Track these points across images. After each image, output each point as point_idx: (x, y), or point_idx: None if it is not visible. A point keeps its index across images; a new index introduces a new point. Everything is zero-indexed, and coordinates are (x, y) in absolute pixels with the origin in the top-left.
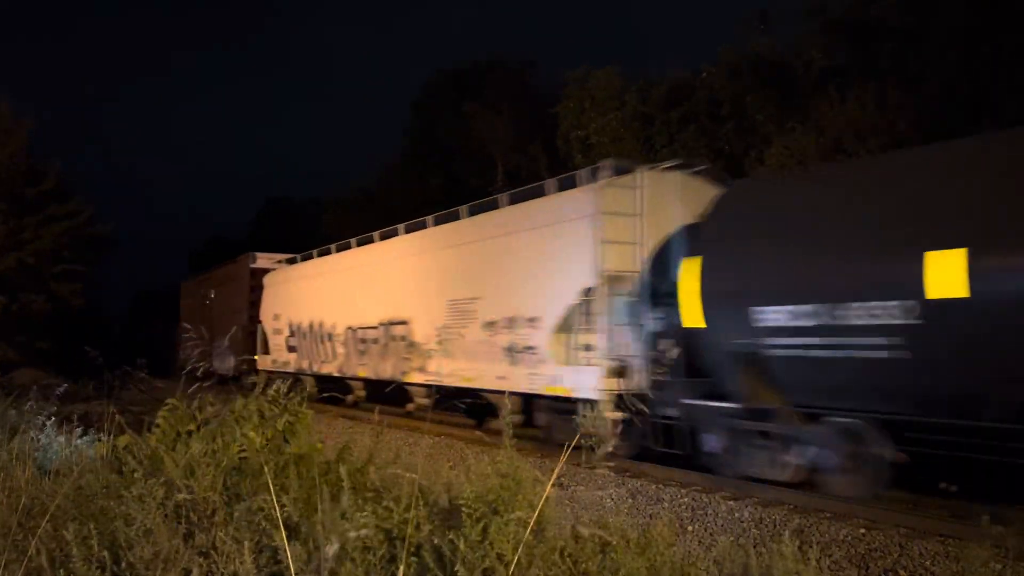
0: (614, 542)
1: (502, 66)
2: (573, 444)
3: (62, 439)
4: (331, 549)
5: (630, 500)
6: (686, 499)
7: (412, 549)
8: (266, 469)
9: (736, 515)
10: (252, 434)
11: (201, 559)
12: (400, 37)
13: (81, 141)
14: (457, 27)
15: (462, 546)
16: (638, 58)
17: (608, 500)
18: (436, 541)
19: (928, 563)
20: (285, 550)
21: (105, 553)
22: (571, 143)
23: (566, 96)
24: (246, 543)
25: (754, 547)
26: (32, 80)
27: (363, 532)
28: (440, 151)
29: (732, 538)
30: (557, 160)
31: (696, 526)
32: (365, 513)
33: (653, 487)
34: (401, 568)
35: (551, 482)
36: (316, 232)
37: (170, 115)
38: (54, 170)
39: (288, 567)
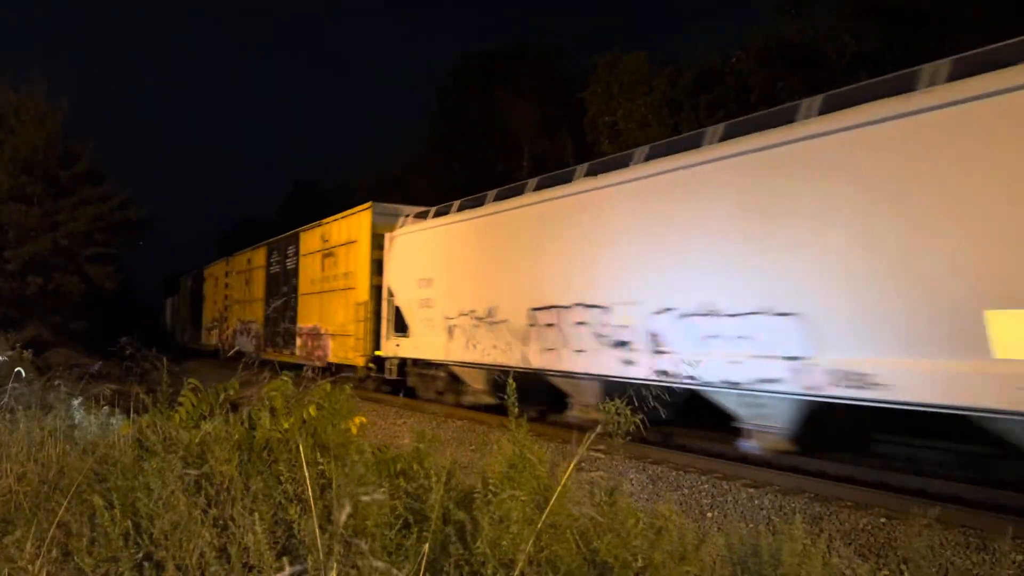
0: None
1: (529, 51)
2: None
3: (91, 417)
4: (343, 514)
5: (651, 486)
6: (706, 486)
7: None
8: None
9: (756, 502)
10: (283, 422)
11: (216, 530)
12: (427, 21)
13: (116, 125)
14: (485, 10)
15: (485, 524)
16: (667, 43)
17: (628, 485)
18: (459, 517)
19: (949, 553)
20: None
21: (128, 523)
22: (599, 128)
23: (594, 81)
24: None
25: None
26: (70, 62)
27: (376, 496)
28: (466, 136)
29: (752, 525)
30: (584, 146)
31: (715, 512)
32: (382, 488)
33: (674, 474)
34: (426, 546)
35: (572, 465)
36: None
37: (201, 99)
38: (87, 152)
39: (299, 539)
